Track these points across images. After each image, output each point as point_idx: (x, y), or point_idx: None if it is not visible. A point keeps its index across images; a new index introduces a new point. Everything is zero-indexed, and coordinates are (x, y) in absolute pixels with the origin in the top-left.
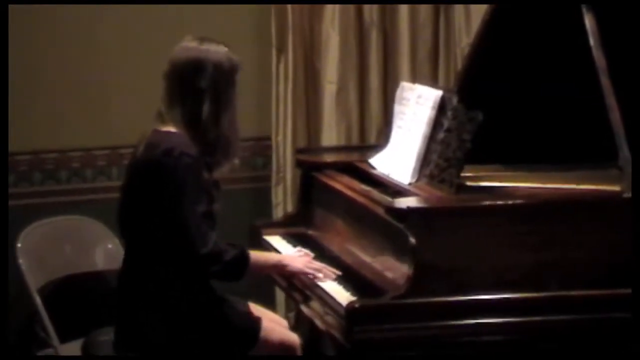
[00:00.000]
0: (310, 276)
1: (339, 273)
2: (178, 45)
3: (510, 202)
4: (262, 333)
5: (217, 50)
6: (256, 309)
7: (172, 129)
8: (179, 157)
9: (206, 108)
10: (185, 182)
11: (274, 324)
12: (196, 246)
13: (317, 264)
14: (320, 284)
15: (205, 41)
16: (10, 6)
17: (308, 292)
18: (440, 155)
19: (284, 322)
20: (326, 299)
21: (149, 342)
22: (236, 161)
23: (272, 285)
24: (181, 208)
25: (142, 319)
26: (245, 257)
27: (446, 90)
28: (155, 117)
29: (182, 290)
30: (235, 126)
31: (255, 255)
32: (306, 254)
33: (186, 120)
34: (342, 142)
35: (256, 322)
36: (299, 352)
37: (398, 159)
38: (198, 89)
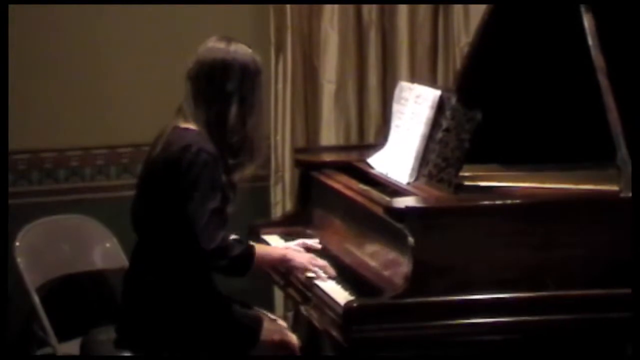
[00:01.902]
0: (312, 273)
1: (334, 274)
2: (203, 45)
3: (508, 201)
4: (263, 333)
5: (243, 52)
6: (257, 311)
7: (191, 127)
8: (196, 153)
9: (233, 111)
10: (200, 177)
11: (274, 325)
12: (203, 241)
13: (321, 262)
14: (319, 283)
15: (232, 42)
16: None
17: (306, 292)
18: (439, 155)
19: (284, 325)
20: (324, 299)
21: (152, 339)
22: (260, 163)
23: (270, 285)
24: (192, 203)
25: (145, 316)
26: (251, 253)
27: (445, 89)
28: (175, 114)
29: (186, 288)
30: (260, 129)
31: (261, 249)
32: (311, 245)
33: (211, 122)
34: (341, 142)
35: (257, 321)
36: (298, 353)
37: (396, 159)
38: (226, 92)
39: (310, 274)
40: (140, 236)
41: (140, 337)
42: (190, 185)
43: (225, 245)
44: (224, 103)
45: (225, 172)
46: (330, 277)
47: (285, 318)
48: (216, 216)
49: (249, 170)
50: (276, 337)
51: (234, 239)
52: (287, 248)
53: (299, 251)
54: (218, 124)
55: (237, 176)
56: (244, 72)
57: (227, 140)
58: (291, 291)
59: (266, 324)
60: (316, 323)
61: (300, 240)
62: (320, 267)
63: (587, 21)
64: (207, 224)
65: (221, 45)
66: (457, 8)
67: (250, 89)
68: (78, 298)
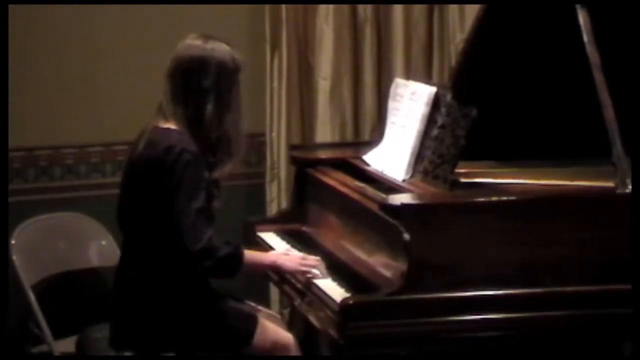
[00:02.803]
0: (307, 275)
1: (325, 274)
2: (182, 42)
3: (504, 198)
4: (258, 332)
5: (221, 49)
6: (252, 307)
7: (172, 126)
8: (179, 153)
9: (209, 107)
10: (184, 178)
11: (270, 323)
12: (190, 242)
13: (311, 261)
14: (315, 280)
15: (209, 39)
16: None
17: (302, 289)
18: (434, 152)
19: (280, 320)
20: (320, 296)
21: (145, 338)
22: (238, 160)
23: (266, 282)
24: (177, 204)
25: (138, 315)
26: (239, 255)
27: (440, 86)
28: (155, 113)
29: (178, 287)
30: (239, 126)
31: (250, 254)
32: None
33: (189, 119)
34: (336, 139)
35: (252, 321)
36: (294, 352)
37: (392, 156)
38: (202, 88)
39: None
40: (126, 235)
41: (133, 335)
42: (174, 186)
43: (212, 246)
44: (200, 99)
45: (207, 169)
46: (327, 270)
47: (281, 315)
48: (201, 216)
49: (228, 168)
50: (270, 336)
51: (224, 242)
52: (276, 254)
53: (289, 254)
54: (195, 121)
55: (217, 173)
56: (220, 68)
57: (205, 137)
58: (287, 288)
59: (261, 324)
60: (312, 320)
61: (301, 254)
62: (311, 266)
63: (583, 18)
64: (192, 225)
65: (198, 42)
66: (452, 5)
67: (227, 86)
68: (74, 295)
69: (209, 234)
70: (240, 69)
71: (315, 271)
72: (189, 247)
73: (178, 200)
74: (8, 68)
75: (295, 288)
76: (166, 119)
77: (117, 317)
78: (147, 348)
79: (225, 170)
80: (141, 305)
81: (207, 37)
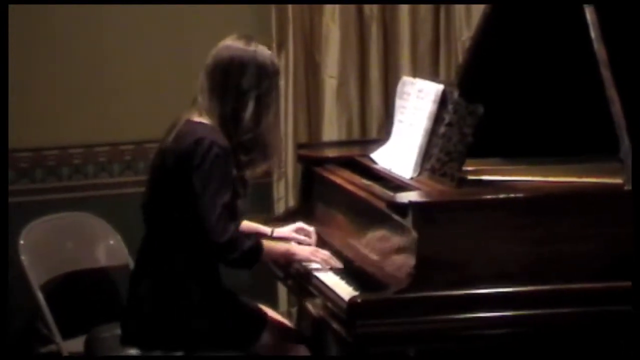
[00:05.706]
0: (316, 265)
1: (341, 266)
2: (222, 42)
3: (512, 195)
4: (265, 332)
5: (262, 53)
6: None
7: (205, 120)
8: (209, 146)
9: (249, 109)
10: (212, 171)
11: (278, 323)
12: (215, 235)
13: (323, 253)
14: (323, 278)
15: (251, 42)
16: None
17: (310, 287)
18: (442, 149)
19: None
20: (328, 294)
21: (158, 335)
22: (275, 163)
23: (274, 280)
24: (204, 197)
25: (152, 312)
26: (259, 247)
27: (447, 84)
28: (190, 106)
29: (194, 283)
30: (277, 130)
31: (266, 244)
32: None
33: (225, 117)
34: (343, 137)
35: (261, 310)
36: (302, 351)
37: (399, 153)
38: (241, 90)
39: (314, 265)
40: (149, 228)
41: (146, 333)
42: (203, 179)
43: (237, 238)
44: (239, 100)
45: (237, 167)
46: (335, 268)
47: (289, 313)
48: (227, 209)
49: (260, 168)
50: (280, 321)
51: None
52: (290, 244)
53: (302, 244)
54: (232, 120)
55: (248, 173)
56: (260, 71)
57: (239, 136)
58: (292, 283)
59: (269, 324)
60: (320, 318)
61: (297, 225)
62: (324, 258)
63: (589, 14)
64: (219, 218)
65: (240, 44)
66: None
67: (267, 89)
68: (82, 295)
69: (232, 227)
70: (278, 73)
71: (326, 264)
72: (214, 239)
73: (206, 193)
74: (8, 68)
75: (303, 287)
76: (200, 114)
77: (131, 314)
78: (159, 345)
79: (258, 171)
80: (156, 302)
81: (248, 39)
